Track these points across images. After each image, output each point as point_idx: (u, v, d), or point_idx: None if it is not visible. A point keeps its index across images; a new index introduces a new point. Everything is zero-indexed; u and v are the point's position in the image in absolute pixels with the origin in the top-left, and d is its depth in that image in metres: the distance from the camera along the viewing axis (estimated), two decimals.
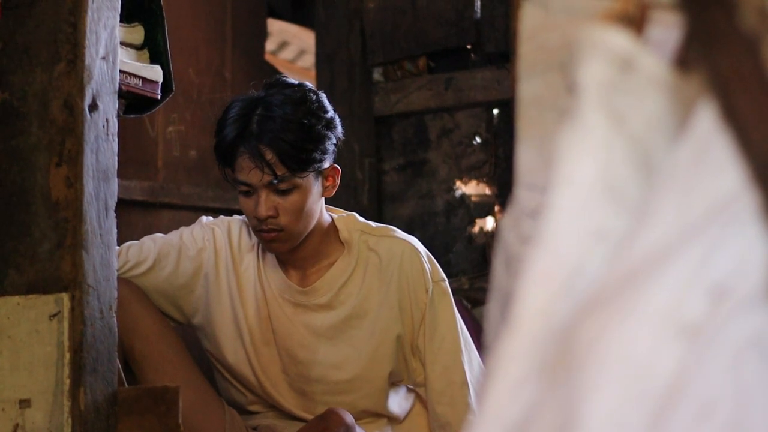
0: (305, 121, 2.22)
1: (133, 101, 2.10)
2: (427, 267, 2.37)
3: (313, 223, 2.32)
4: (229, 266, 2.40)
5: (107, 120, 1.84)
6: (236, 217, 2.49)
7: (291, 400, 2.41)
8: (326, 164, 2.28)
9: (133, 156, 3.31)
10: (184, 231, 2.44)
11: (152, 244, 2.39)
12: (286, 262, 2.40)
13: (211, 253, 2.40)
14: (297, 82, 2.35)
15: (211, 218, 2.49)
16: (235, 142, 2.22)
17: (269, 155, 2.19)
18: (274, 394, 2.41)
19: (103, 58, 1.84)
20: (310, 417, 2.36)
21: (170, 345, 2.33)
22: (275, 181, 2.21)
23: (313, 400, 2.40)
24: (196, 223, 2.48)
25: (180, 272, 2.38)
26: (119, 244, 1.89)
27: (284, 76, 2.41)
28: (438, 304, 2.37)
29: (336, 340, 2.38)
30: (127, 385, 2.00)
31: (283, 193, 2.23)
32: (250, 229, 2.36)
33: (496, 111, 3.68)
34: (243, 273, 2.40)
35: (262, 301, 2.39)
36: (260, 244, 2.40)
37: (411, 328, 2.37)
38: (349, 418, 2.22)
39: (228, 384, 2.47)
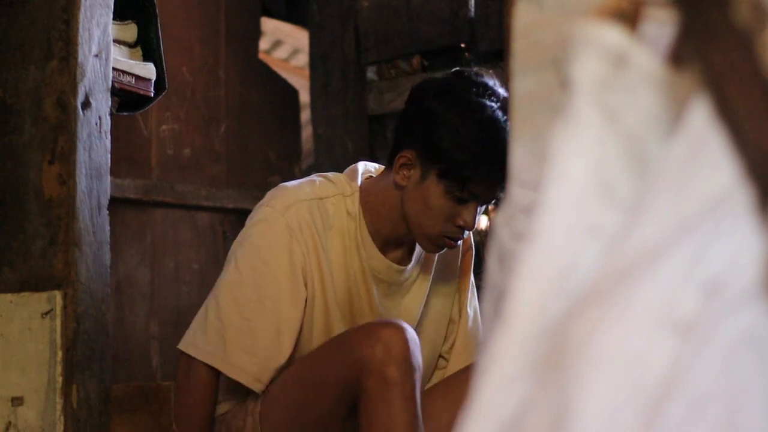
0: None
1: (126, 99, 2.09)
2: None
3: None
4: (318, 246, 2.29)
5: (100, 117, 1.84)
6: (293, 199, 2.31)
7: None
8: None
9: (126, 154, 3.30)
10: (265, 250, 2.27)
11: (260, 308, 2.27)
12: (387, 244, 2.38)
13: (297, 246, 2.27)
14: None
15: (263, 213, 2.30)
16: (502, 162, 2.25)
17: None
18: None
19: (96, 55, 1.83)
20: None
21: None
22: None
23: None
24: (264, 231, 2.30)
25: (299, 289, 2.28)
26: (111, 242, 1.88)
27: (481, 72, 2.31)
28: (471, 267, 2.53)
29: (429, 309, 2.45)
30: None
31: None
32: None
33: None
34: (329, 252, 2.31)
35: (356, 279, 2.35)
36: (346, 225, 2.34)
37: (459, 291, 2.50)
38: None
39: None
